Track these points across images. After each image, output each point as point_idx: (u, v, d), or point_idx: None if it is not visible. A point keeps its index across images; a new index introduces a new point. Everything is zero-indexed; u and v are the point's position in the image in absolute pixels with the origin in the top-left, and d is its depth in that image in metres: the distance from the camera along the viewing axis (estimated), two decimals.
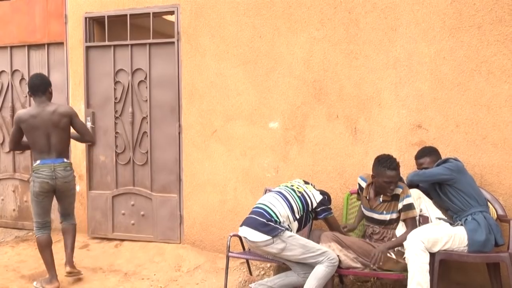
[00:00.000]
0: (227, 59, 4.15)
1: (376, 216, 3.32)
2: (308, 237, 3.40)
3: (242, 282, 3.76)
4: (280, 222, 3.14)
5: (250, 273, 3.85)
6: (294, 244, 3.08)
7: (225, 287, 3.47)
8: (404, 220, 3.24)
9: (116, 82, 4.61)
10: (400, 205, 3.23)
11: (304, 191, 3.34)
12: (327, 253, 3.07)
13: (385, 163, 3.19)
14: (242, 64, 4.11)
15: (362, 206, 3.45)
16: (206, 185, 4.29)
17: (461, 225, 3.11)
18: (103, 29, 4.63)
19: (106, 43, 4.61)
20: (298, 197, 3.30)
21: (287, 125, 4.00)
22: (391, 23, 3.64)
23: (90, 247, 4.56)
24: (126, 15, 4.51)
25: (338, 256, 3.11)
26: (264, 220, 3.12)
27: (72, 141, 4.01)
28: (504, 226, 3.21)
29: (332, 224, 3.39)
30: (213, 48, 4.20)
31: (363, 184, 3.42)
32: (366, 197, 3.37)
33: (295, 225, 3.26)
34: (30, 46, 5.01)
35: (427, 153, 3.34)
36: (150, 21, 4.41)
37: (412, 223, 3.20)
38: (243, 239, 3.28)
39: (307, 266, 3.15)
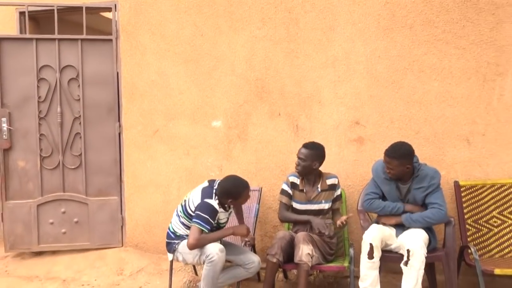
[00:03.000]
0: (169, 57, 4.08)
1: (314, 207, 3.36)
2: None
3: (187, 283, 3.71)
4: (179, 236, 3.18)
5: (196, 273, 3.81)
6: (186, 252, 3.09)
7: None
8: (336, 209, 3.44)
9: (39, 80, 4.18)
10: (335, 194, 3.41)
11: (187, 198, 3.22)
12: (204, 251, 3.00)
13: (320, 146, 3.40)
14: (184, 63, 4.05)
15: (295, 202, 3.42)
16: (149, 186, 4.19)
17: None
18: (37, 23, 4.37)
19: (26, 35, 4.18)
20: (182, 206, 3.21)
21: (230, 124, 3.99)
22: (329, 23, 3.74)
23: (25, 255, 4.31)
24: (53, 9, 4.17)
25: (312, 255, 3.07)
26: (167, 240, 3.25)
27: None
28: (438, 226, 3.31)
29: (190, 233, 3.05)
30: (153, 46, 4.11)
31: (297, 180, 3.43)
32: (303, 190, 3.40)
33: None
34: None
35: (398, 157, 3.09)
36: (83, 16, 4.19)
37: (339, 213, 3.47)
38: None
39: (247, 256, 3.18)
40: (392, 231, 3.17)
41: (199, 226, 3.01)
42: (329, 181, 3.41)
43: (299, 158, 3.34)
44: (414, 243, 2.91)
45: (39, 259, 4.24)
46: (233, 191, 3.08)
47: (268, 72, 3.89)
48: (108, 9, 4.26)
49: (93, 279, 3.86)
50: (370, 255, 2.98)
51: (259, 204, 3.75)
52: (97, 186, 4.29)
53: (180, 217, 3.22)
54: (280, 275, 3.71)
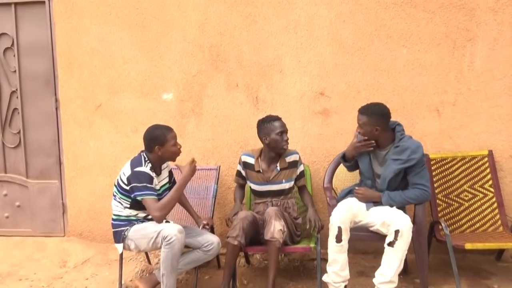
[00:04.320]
0: (110, 21, 3.70)
1: (274, 187, 3.13)
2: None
3: (139, 272, 3.46)
4: (124, 220, 2.92)
5: (149, 262, 3.56)
6: (138, 237, 2.85)
7: (120, 279, 3.13)
8: (302, 187, 3.24)
9: None
10: (298, 171, 3.17)
11: (119, 174, 2.93)
12: (162, 232, 2.75)
13: (268, 118, 3.10)
14: (128, 28, 3.69)
15: (252, 184, 3.18)
16: (93, 168, 3.83)
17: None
18: None
19: None
20: (115, 185, 2.93)
21: (182, 96, 3.69)
22: None
23: None
24: None
25: (283, 231, 2.86)
26: (113, 229, 2.96)
27: None
28: None
29: (147, 209, 2.84)
30: (92, 8, 3.71)
31: (251, 160, 3.18)
32: (259, 171, 3.14)
33: (136, 212, 2.92)
34: None
35: (368, 114, 2.89)
36: None
37: (307, 190, 3.27)
38: None
39: (205, 237, 2.95)
40: (361, 205, 2.97)
41: (148, 197, 2.78)
42: (289, 158, 3.15)
43: (283, 131, 3.06)
44: (403, 223, 2.71)
45: None
46: (156, 134, 2.87)
47: (223, 38, 3.58)
48: None
49: (32, 272, 3.58)
50: (339, 239, 2.78)
51: (217, 184, 3.50)
52: (38, 167, 4.04)
53: (116, 197, 2.93)
54: (241, 260, 3.51)
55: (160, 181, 2.95)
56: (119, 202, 2.92)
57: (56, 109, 3.90)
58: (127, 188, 2.82)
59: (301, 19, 3.46)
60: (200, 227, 3.08)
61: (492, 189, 3.29)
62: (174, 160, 2.95)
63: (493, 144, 3.38)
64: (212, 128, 3.66)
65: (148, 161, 2.86)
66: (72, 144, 3.87)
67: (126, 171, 2.86)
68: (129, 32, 3.69)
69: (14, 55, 3.91)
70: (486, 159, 3.34)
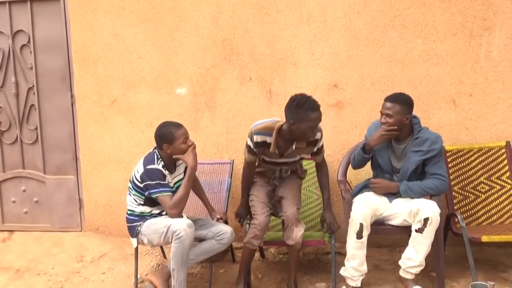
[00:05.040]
0: (124, 16, 3.74)
1: (288, 160, 2.97)
2: None
3: (155, 266, 3.51)
4: (138, 216, 2.95)
5: (164, 256, 3.60)
6: (150, 232, 2.87)
7: (135, 273, 3.17)
8: (318, 164, 3.05)
9: None
10: (316, 148, 2.94)
11: (134, 171, 2.95)
12: (171, 227, 2.77)
13: (307, 103, 2.69)
14: (142, 23, 3.72)
15: (264, 158, 2.98)
16: (108, 163, 3.88)
17: None
18: None
19: None
20: (130, 181, 2.95)
21: (196, 91, 3.71)
22: None
23: None
24: None
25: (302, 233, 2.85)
26: (128, 224, 3.00)
27: None
28: None
29: (163, 206, 2.87)
30: (106, 4, 3.75)
31: (268, 139, 2.86)
32: (275, 152, 2.90)
33: (150, 209, 2.94)
34: None
35: (400, 102, 2.84)
36: None
37: (325, 169, 3.07)
38: None
39: (218, 227, 2.96)
40: (381, 198, 2.95)
41: (162, 194, 2.79)
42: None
43: (315, 126, 2.77)
44: (431, 210, 2.72)
45: None
46: (163, 132, 2.85)
47: (236, 31, 3.60)
48: None
49: (50, 267, 3.65)
50: (359, 235, 2.78)
51: (231, 178, 3.52)
52: (55, 163, 4.10)
53: (131, 193, 2.96)
54: (256, 254, 3.50)
55: (174, 178, 2.96)
56: (134, 199, 2.94)
57: (72, 104, 3.95)
58: (141, 185, 2.84)
59: (314, 11, 3.45)
60: (214, 220, 3.10)
61: (509, 181, 3.26)
62: (181, 154, 2.91)
63: (511, 135, 3.34)
64: (226, 122, 3.67)
65: (160, 159, 2.86)
66: (88, 139, 3.92)
67: (139, 168, 2.87)
68: (142, 27, 3.72)
69: (31, 52, 3.97)
70: (503, 150, 3.30)
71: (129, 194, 2.98)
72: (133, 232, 2.93)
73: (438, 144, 2.83)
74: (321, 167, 3.07)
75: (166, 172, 2.85)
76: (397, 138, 2.92)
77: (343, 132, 3.51)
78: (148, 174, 2.79)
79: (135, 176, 2.90)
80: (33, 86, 4.01)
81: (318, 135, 2.86)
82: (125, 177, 3.82)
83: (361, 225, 2.77)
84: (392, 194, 2.94)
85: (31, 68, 3.99)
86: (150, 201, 2.87)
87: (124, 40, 3.76)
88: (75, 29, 3.83)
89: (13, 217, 4.17)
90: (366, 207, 2.82)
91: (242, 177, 3.09)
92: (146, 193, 2.82)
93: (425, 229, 2.71)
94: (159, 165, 2.82)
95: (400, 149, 2.93)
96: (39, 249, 3.90)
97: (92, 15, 3.78)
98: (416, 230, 2.75)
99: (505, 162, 3.28)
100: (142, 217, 2.94)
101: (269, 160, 2.99)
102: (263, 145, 2.89)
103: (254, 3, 3.53)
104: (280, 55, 3.53)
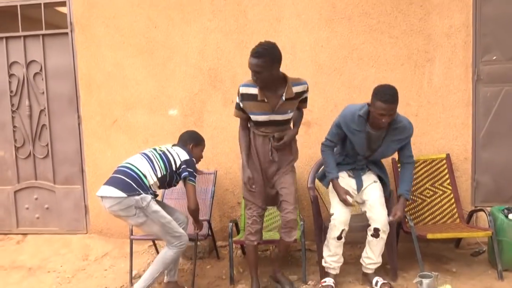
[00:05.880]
0: (124, 49, 4.17)
1: (279, 117, 2.87)
2: None
3: (150, 264, 3.82)
4: (143, 181, 2.96)
5: None
6: (155, 221, 2.94)
7: (130, 269, 3.52)
8: (299, 108, 3.01)
9: (10, 75, 4.47)
10: (303, 97, 2.95)
11: (167, 150, 3.16)
12: (181, 237, 3.01)
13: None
14: (139, 54, 4.15)
15: (253, 115, 2.88)
16: (110, 174, 4.21)
17: None
18: None
19: None
20: (159, 154, 3.10)
21: (186, 112, 4.13)
22: (276, 15, 3.93)
23: None
24: (16, 5, 4.33)
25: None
26: (129, 181, 2.91)
27: None
28: None
29: (188, 194, 3.04)
30: (108, 38, 4.18)
31: (254, 90, 2.80)
32: (264, 100, 2.81)
33: (156, 183, 3.06)
34: None
35: (397, 101, 2.88)
36: (42, 12, 4.28)
37: (302, 111, 3.08)
38: (100, 202, 3.00)
39: (176, 215, 3.20)
40: (351, 181, 3.19)
41: (193, 183, 3.07)
42: (297, 88, 2.85)
43: (253, 71, 2.71)
44: (381, 220, 3.03)
45: (2, 250, 4.30)
46: (196, 135, 3.34)
47: (220, 62, 4.03)
48: (63, 3, 4.32)
49: (59, 265, 3.94)
50: (340, 237, 3.10)
51: (214, 186, 3.91)
52: (64, 174, 4.46)
53: (155, 163, 3.06)
54: (238, 252, 3.89)
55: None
56: (154, 168, 3.03)
57: (79, 124, 4.35)
58: (177, 165, 3.07)
59: (286, 45, 3.88)
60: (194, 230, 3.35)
61: (449, 187, 3.69)
62: (196, 162, 3.27)
63: (450, 148, 3.79)
64: (211, 139, 4.04)
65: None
66: (92, 154, 4.30)
67: (182, 154, 3.09)
68: (140, 58, 4.14)
69: (42, 79, 4.38)
70: (444, 161, 3.74)
71: (150, 162, 3.03)
72: (134, 201, 2.86)
73: (412, 130, 3.05)
74: (300, 110, 3.09)
75: None
76: (375, 128, 2.97)
77: (311, 146, 3.92)
78: (191, 163, 3.10)
79: (174, 158, 3.08)
80: (45, 108, 4.42)
81: (304, 87, 2.89)
82: None
83: (343, 230, 3.07)
84: (359, 170, 3.17)
85: (43, 93, 4.40)
86: (164, 184, 3.10)
87: (124, 69, 4.17)
88: (81, 59, 4.24)
89: (27, 221, 4.56)
90: (346, 214, 3.06)
91: (239, 138, 3.04)
92: (182, 174, 3.04)
93: (378, 236, 3.06)
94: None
95: (377, 135, 3.02)
96: (49, 249, 4.20)
97: (96, 48, 4.20)
98: (371, 235, 3.08)
99: (446, 171, 3.72)
100: (145, 189, 2.93)
101: (262, 120, 2.87)
102: (250, 97, 2.82)
103: (235, 38, 3.99)
104: None
